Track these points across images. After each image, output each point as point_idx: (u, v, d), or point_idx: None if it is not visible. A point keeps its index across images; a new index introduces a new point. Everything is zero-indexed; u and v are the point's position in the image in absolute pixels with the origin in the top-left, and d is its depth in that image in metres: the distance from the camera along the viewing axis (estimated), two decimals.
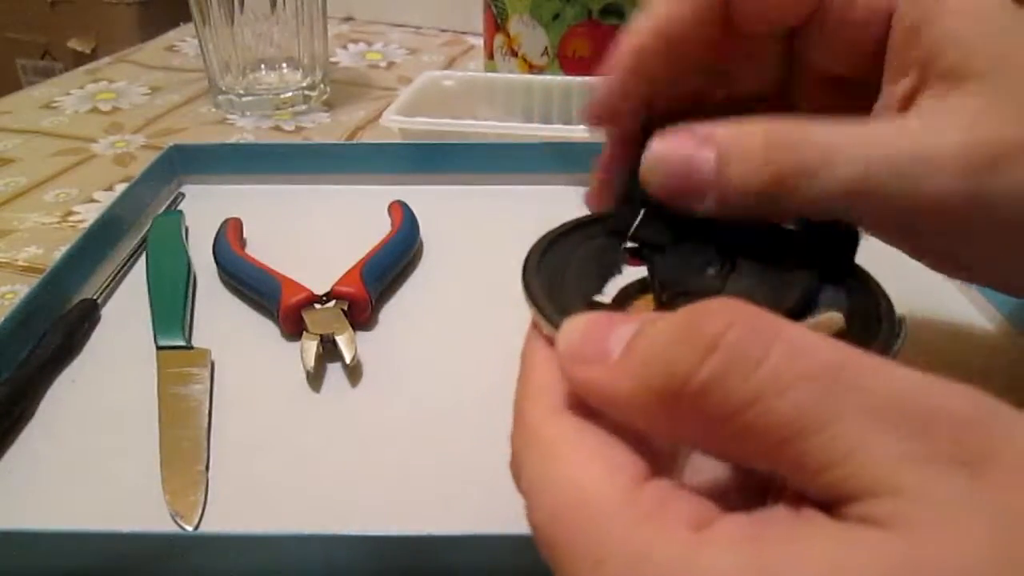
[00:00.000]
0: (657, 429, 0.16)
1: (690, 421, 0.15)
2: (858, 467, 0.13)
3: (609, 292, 0.23)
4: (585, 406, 0.17)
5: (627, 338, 0.16)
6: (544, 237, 0.24)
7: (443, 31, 0.91)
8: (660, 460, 0.17)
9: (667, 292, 0.22)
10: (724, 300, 0.15)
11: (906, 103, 0.23)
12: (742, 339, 0.14)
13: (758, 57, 0.26)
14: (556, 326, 0.19)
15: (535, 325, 0.20)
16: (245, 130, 0.65)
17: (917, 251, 0.24)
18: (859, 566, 0.13)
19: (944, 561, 0.12)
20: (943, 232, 0.22)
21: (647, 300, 0.22)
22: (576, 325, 0.18)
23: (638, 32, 0.25)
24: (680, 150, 0.21)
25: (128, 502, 0.31)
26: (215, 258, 0.44)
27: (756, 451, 0.15)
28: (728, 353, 0.14)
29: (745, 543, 0.14)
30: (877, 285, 0.22)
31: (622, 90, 0.25)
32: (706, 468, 0.17)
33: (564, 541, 0.15)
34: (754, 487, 0.17)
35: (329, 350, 0.38)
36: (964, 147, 0.20)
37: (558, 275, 0.22)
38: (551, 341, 0.19)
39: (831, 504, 0.14)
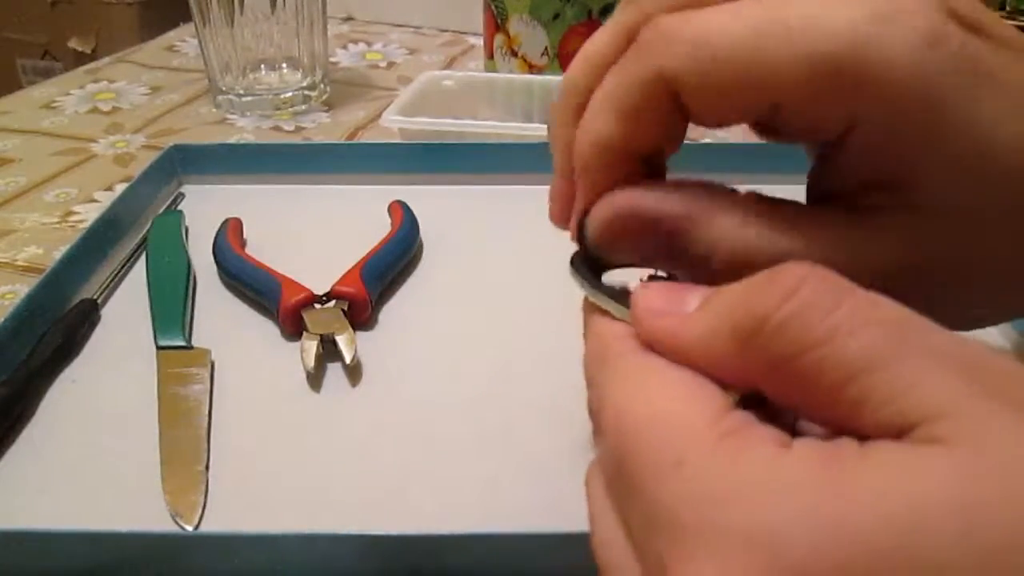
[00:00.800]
0: (722, 370, 0.17)
1: (760, 360, 0.16)
2: (922, 397, 0.14)
3: None
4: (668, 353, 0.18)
5: (702, 298, 0.18)
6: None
7: (443, 31, 0.91)
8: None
9: None
10: (797, 261, 0.16)
11: None
12: (817, 289, 0.16)
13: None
14: (617, 301, 0.20)
15: (591, 309, 0.21)
16: (245, 130, 0.65)
17: None
18: (935, 477, 0.13)
19: (1013, 473, 0.13)
20: None
21: None
22: (654, 286, 0.19)
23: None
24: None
25: (128, 502, 0.31)
26: (215, 258, 0.44)
27: (816, 391, 0.15)
28: (805, 298, 0.16)
29: (825, 461, 0.14)
30: None
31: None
32: None
33: (643, 447, 0.16)
34: None
35: (329, 350, 0.38)
36: None
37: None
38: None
39: (893, 436, 0.14)
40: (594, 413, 0.19)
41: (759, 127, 0.23)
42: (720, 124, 0.21)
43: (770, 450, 0.15)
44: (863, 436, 0.15)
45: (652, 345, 0.18)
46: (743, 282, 0.17)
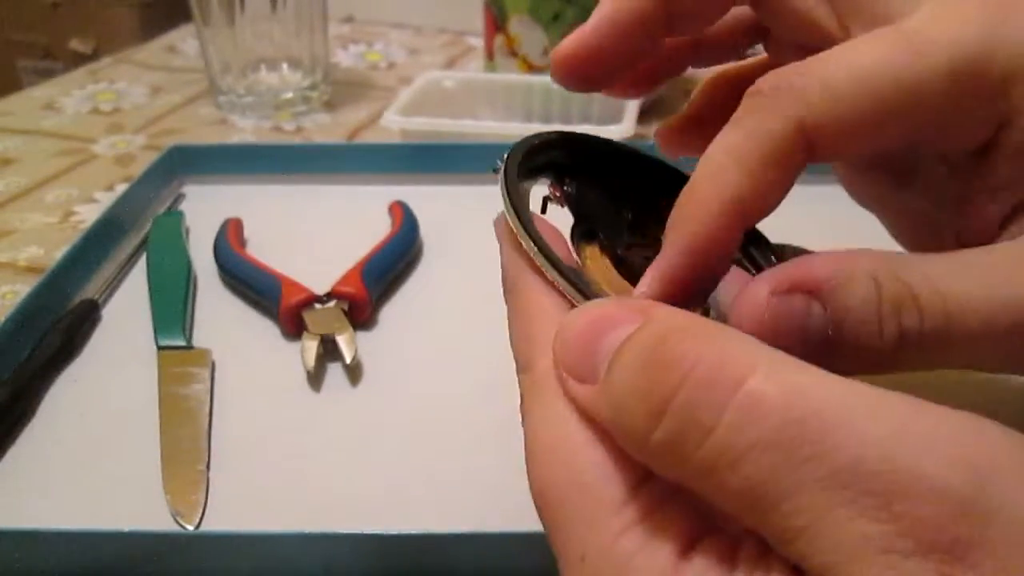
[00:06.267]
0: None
1: (659, 468, 0.15)
2: (817, 546, 0.12)
3: None
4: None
5: (614, 348, 0.16)
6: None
7: (443, 31, 0.91)
8: None
9: (611, 244, 0.22)
10: (689, 329, 0.15)
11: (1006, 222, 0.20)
12: (691, 401, 0.14)
13: None
14: (559, 271, 0.19)
15: (515, 256, 0.20)
16: (245, 130, 0.65)
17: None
18: None
19: None
20: None
21: (594, 250, 0.22)
22: (571, 331, 0.17)
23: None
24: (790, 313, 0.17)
25: (128, 502, 0.31)
26: (215, 258, 0.44)
27: (720, 506, 0.14)
28: (677, 419, 0.14)
29: None
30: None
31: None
32: None
33: (556, 519, 0.16)
34: None
35: (329, 350, 0.38)
36: None
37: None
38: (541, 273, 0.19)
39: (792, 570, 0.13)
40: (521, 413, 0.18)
41: (887, 172, 0.23)
42: (852, 155, 0.20)
43: (665, 560, 0.14)
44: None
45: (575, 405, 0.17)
46: (634, 358, 0.15)
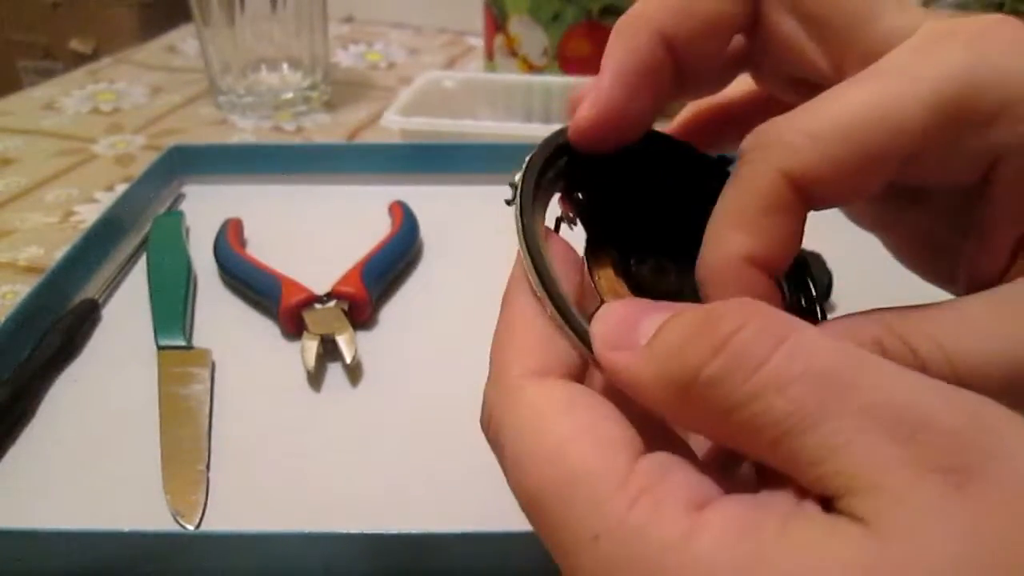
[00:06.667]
0: (671, 416, 0.17)
1: (699, 412, 0.16)
2: (845, 464, 0.14)
3: None
4: (570, 370, 0.18)
5: (655, 327, 0.17)
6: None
7: (443, 31, 0.91)
8: (661, 432, 0.17)
9: (625, 260, 0.22)
10: (743, 300, 0.16)
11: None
12: (750, 339, 0.15)
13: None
14: (549, 293, 0.19)
15: (520, 273, 0.20)
16: (245, 130, 0.65)
17: None
18: (837, 562, 0.13)
19: (911, 566, 0.13)
20: None
21: (606, 269, 0.22)
22: (612, 312, 0.18)
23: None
24: None
25: (129, 502, 0.31)
26: (215, 258, 0.44)
27: (756, 444, 0.15)
28: (734, 352, 0.15)
29: (742, 532, 0.14)
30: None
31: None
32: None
33: (556, 516, 0.16)
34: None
35: (329, 350, 0.38)
36: None
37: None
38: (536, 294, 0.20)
39: (827, 499, 0.14)
40: (486, 432, 0.19)
41: (892, 195, 0.22)
42: (850, 200, 0.20)
43: (681, 518, 0.14)
44: (805, 487, 0.15)
45: (610, 380, 0.18)
46: (688, 319, 0.16)
